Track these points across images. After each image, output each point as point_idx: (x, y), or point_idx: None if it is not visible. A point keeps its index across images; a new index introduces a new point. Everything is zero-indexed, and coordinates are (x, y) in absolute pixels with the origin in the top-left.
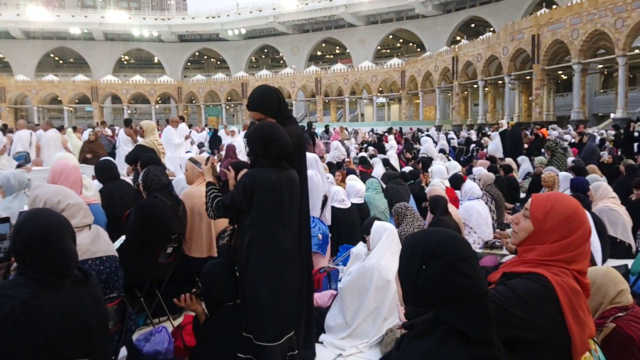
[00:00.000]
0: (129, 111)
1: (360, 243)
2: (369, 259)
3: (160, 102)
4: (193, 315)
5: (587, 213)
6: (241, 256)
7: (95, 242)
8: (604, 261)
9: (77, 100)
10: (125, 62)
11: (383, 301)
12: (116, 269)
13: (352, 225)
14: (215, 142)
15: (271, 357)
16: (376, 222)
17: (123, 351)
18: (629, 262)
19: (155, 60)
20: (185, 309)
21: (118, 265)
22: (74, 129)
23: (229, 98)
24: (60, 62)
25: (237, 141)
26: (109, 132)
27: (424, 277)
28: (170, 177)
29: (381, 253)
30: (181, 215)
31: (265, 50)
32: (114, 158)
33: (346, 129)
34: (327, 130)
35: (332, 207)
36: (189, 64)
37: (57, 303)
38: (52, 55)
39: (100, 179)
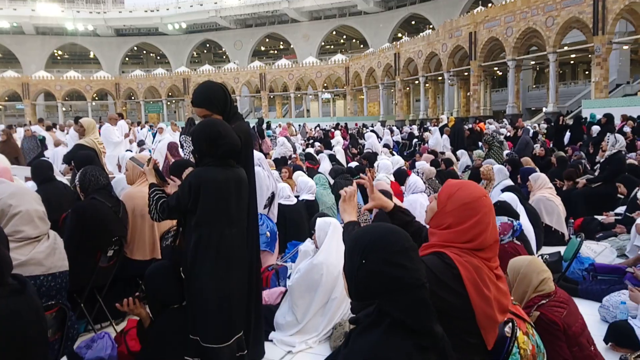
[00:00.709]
0: (64, 108)
1: (308, 240)
2: (317, 255)
3: (97, 98)
4: (137, 319)
5: (518, 203)
6: (187, 257)
7: (50, 257)
8: (538, 249)
9: (6, 98)
10: (58, 58)
11: (332, 297)
12: (66, 284)
13: (299, 222)
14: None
15: (220, 358)
16: (319, 219)
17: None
18: (562, 249)
19: (91, 55)
20: (129, 313)
21: (67, 280)
22: (9, 127)
23: (170, 94)
24: None
25: (166, 138)
26: (40, 130)
27: (364, 271)
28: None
29: (328, 249)
30: (122, 216)
31: (207, 45)
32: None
33: (292, 125)
34: (268, 127)
35: (279, 204)
36: (127, 59)
37: None
38: None
39: (35, 180)
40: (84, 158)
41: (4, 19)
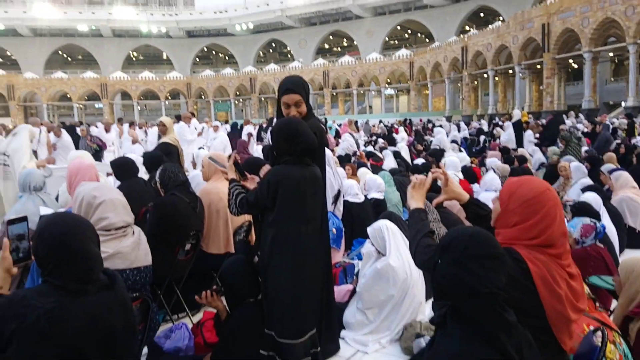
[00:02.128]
0: (139, 107)
1: (368, 241)
2: (380, 260)
3: (169, 98)
4: (212, 311)
5: (601, 205)
6: (264, 253)
7: (134, 251)
8: (620, 252)
9: (86, 97)
10: (134, 59)
11: (402, 299)
12: (150, 278)
13: (365, 220)
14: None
15: (294, 354)
16: (368, 229)
17: (144, 349)
18: None
19: (164, 57)
20: (205, 305)
21: (151, 274)
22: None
23: (237, 93)
24: (69, 59)
25: (220, 137)
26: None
27: (438, 270)
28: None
29: (390, 252)
30: (199, 212)
31: (273, 45)
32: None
33: (355, 122)
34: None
35: (346, 201)
36: (197, 59)
37: (82, 311)
38: (60, 52)
39: (118, 176)
40: (152, 158)
41: (83, 22)
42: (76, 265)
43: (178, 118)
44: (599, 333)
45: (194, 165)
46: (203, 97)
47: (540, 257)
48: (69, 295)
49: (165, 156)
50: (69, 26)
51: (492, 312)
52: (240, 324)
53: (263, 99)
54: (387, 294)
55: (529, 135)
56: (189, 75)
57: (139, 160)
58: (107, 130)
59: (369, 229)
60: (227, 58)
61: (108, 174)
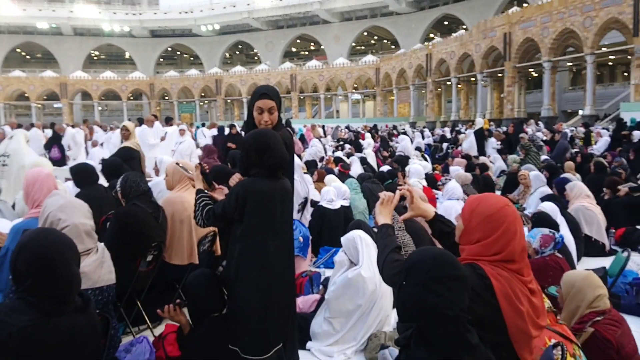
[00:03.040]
0: (100, 108)
1: (342, 251)
2: (352, 269)
3: (132, 98)
4: (174, 324)
5: (559, 214)
6: (231, 267)
7: (98, 270)
8: (578, 260)
9: (45, 97)
10: (95, 58)
11: (369, 309)
12: (113, 296)
13: (338, 227)
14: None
15: None
16: (342, 238)
17: None
18: (604, 261)
19: (127, 56)
20: (168, 319)
21: (114, 293)
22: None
23: (202, 94)
24: (28, 57)
25: (187, 141)
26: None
27: (403, 291)
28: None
29: (362, 262)
30: (161, 222)
31: (240, 46)
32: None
33: (323, 127)
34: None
35: (321, 206)
36: (161, 59)
37: (55, 332)
38: (18, 50)
39: (77, 183)
40: (111, 166)
41: (44, 20)
42: (57, 285)
43: (140, 122)
44: (559, 348)
45: (157, 171)
46: (167, 98)
47: (503, 274)
48: (44, 315)
49: (127, 162)
50: (28, 23)
51: (455, 333)
52: (204, 339)
53: (229, 101)
54: (355, 304)
55: (492, 143)
56: (152, 75)
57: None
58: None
59: (343, 239)
60: (192, 59)
61: (67, 179)
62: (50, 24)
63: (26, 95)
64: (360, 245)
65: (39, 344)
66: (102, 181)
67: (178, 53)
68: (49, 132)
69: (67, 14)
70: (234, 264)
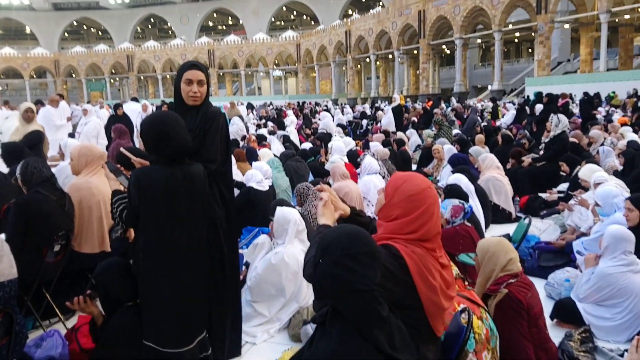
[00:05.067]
0: (0, 87)
1: (264, 235)
2: (275, 255)
3: (35, 76)
4: (88, 315)
5: (470, 185)
6: (138, 260)
7: None
8: (486, 228)
9: None
10: None
11: (295, 292)
12: (16, 292)
13: (266, 208)
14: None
15: None
16: (279, 210)
17: None
18: (510, 227)
19: (28, 31)
20: (79, 311)
21: (17, 288)
22: None
23: (113, 71)
24: None
25: (92, 121)
26: None
27: (319, 270)
28: (51, 163)
29: (286, 247)
30: (67, 209)
31: (152, 20)
32: None
33: (243, 104)
34: None
35: (251, 188)
36: (66, 34)
37: None
38: None
39: None
40: (11, 149)
41: None
42: None
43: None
44: (466, 313)
45: (62, 155)
46: (74, 75)
47: (417, 250)
48: None
49: (35, 146)
50: None
51: (369, 307)
52: (118, 329)
53: (142, 77)
54: (277, 288)
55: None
56: (57, 51)
57: None
58: None
59: (278, 210)
60: (100, 33)
61: None
62: None
63: None
64: (291, 230)
65: None
66: (2, 167)
67: (84, 27)
68: None
69: None
70: (141, 257)
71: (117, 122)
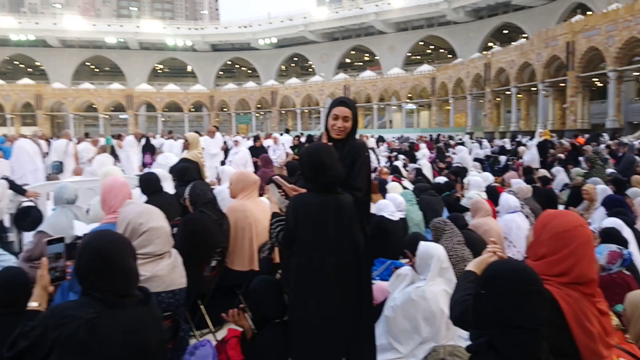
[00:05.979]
0: (163, 119)
1: (407, 267)
2: (416, 290)
3: (192, 110)
4: (236, 329)
5: (628, 229)
6: (289, 281)
7: (171, 273)
8: None
9: (112, 108)
10: (159, 71)
11: (432, 334)
12: (184, 299)
13: (397, 239)
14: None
15: None
16: (421, 245)
17: None
18: None
19: (189, 69)
20: (231, 323)
21: (185, 297)
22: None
23: (258, 106)
24: (96, 70)
25: (242, 151)
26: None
27: (481, 300)
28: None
29: (428, 284)
30: (225, 229)
31: (295, 59)
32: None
33: (372, 137)
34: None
35: (383, 217)
36: (221, 72)
37: (120, 323)
38: (88, 63)
39: (144, 191)
40: (180, 170)
41: (112, 35)
42: (115, 279)
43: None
44: None
45: (219, 180)
46: (225, 109)
47: (572, 294)
48: (107, 307)
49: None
50: (97, 38)
51: (528, 347)
52: (266, 344)
53: (283, 112)
54: (413, 326)
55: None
56: (212, 88)
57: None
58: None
59: (422, 244)
60: (249, 72)
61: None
62: (117, 38)
63: (94, 106)
64: (434, 266)
65: (105, 335)
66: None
67: (237, 66)
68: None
69: (133, 29)
70: (293, 279)
71: (257, 152)
